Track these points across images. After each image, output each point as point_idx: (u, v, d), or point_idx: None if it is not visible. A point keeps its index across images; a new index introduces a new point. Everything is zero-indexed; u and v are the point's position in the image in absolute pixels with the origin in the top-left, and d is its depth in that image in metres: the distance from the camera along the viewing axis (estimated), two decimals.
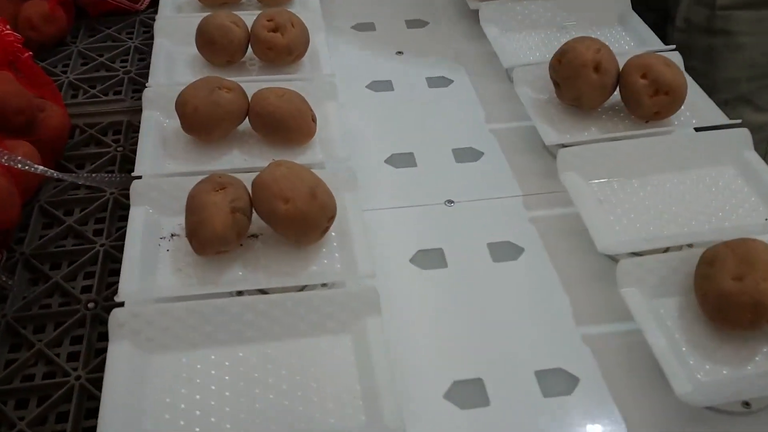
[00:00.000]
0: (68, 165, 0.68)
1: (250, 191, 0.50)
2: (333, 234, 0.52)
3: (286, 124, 0.57)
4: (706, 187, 0.57)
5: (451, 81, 0.74)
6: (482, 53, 0.77)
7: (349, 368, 0.44)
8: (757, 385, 0.44)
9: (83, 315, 0.55)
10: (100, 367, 0.51)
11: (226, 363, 0.44)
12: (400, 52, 0.78)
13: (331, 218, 0.50)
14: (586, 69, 0.60)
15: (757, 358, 0.46)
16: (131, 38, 0.85)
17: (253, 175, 0.51)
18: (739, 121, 0.60)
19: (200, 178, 0.52)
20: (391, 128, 0.68)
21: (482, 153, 0.66)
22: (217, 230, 0.47)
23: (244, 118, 0.58)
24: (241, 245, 0.51)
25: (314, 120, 0.59)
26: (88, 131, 0.72)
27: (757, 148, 0.59)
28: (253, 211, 0.50)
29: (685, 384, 0.42)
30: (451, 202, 0.61)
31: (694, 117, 0.62)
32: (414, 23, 0.83)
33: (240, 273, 0.49)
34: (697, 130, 0.62)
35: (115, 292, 0.55)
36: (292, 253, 0.51)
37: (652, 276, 0.49)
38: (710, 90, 0.65)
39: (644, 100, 0.59)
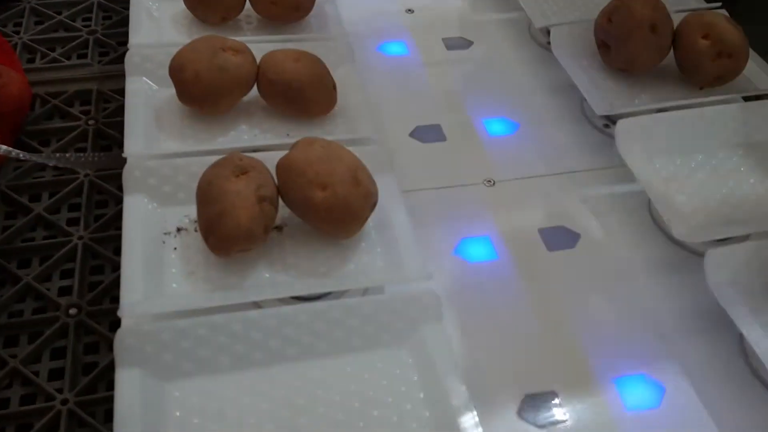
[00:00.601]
0: (30, 142, 0.58)
1: (273, 174, 0.41)
2: (371, 224, 0.44)
3: (305, 93, 0.48)
4: None
5: (471, 42, 0.66)
6: (501, 9, 0.69)
7: (415, 390, 0.36)
8: None
9: (64, 323, 0.46)
10: (92, 388, 0.43)
11: (263, 389, 0.36)
12: (410, 10, 0.69)
13: (374, 206, 0.42)
14: (642, 29, 0.52)
15: None
16: None
17: (272, 155, 0.43)
18: None
19: (206, 159, 0.43)
20: (411, 96, 0.60)
21: (517, 124, 0.58)
22: (242, 224, 0.38)
23: (253, 86, 0.49)
24: (265, 240, 0.42)
25: (335, 88, 0.50)
26: (51, 101, 0.61)
27: None
28: (280, 199, 0.41)
29: None
30: (491, 181, 0.53)
31: (753, 83, 0.56)
32: None
33: (266, 275, 0.41)
34: (751, 98, 0.56)
35: (100, 294, 0.47)
36: (324, 249, 0.42)
37: (745, 268, 0.42)
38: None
39: (705, 64, 0.53)
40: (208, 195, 0.39)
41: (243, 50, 0.47)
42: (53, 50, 0.67)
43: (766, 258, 0.43)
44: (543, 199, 0.52)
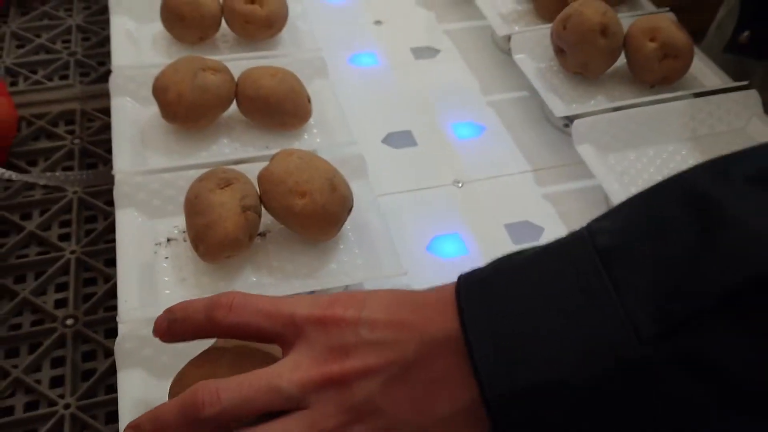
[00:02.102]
0: (18, 163, 0.60)
1: (255, 184, 0.44)
2: (348, 227, 0.47)
3: (281, 107, 0.51)
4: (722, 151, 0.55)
5: (438, 51, 0.69)
6: (465, 18, 0.72)
7: None
8: None
9: (62, 334, 0.49)
10: (92, 393, 0.46)
11: None
12: (378, 22, 0.72)
13: (350, 210, 0.45)
14: (594, 33, 0.56)
15: None
16: (70, 15, 0.77)
17: (253, 166, 0.46)
18: (746, 83, 0.58)
19: (191, 173, 0.46)
20: (382, 105, 0.63)
21: (484, 127, 0.62)
22: (229, 234, 0.41)
23: (232, 102, 0.52)
24: (250, 247, 0.45)
25: (309, 101, 0.53)
26: (36, 123, 0.64)
27: None
28: (262, 207, 0.44)
29: None
30: (459, 182, 0.57)
31: (699, 81, 0.60)
32: None
33: (254, 279, 0.44)
34: (699, 94, 0.60)
35: (95, 305, 0.49)
36: (305, 252, 0.46)
37: None
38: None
39: (653, 65, 0.57)
40: (195, 207, 0.42)
41: (222, 69, 0.50)
42: (35, 73, 0.69)
43: None
44: (508, 196, 0.56)
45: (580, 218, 0.54)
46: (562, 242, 0.28)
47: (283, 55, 0.57)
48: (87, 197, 0.57)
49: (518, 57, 0.61)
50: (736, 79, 0.58)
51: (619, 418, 0.26)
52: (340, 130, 0.53)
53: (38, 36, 0.74)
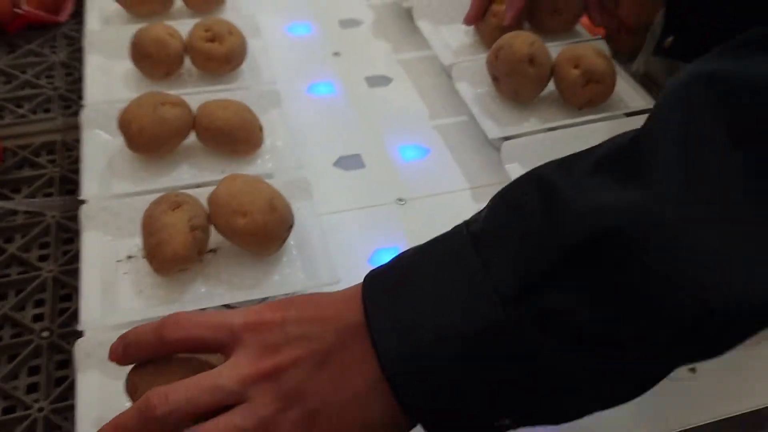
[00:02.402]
0: (2, 191, 0.66)
1: (205, 205, 0.50)
2: (292, 242, 0.52)
3: (234, 136, 0.56)
4: None
5: (391, 79, 0.75)
6: (418, 49, 0.78)
7: None
8: None
9: (38, 345, 0.54)
10: (64, 396, 0.50)
11: None
12: (337, 53, 0.78)
13: (290, 228, 0.50)
14: (522, 63, 0.62)
15: None
16: (54, 52, 0.83)
17: (207, 189, 0.51)
18: None
19: (152, 197, 0.51)
20: (335, 131, 0.69)
21: (429, 149, 0.67)
22: (178, 251, 0.46)
23: (190, 132, 0.58)
24: (201, 261, 0.50)
25: (261, 129, 0.59)
26: (20, 153, 0.70)
27: None
28: (211, 226, 0.50)
29: None
30: (402, 200, 0.62)
31: (624, 102, 0.66)
32: (348, 23, 0.83)
33: (203, 290, 0.49)
34: (628, 114, 0.65)
35: (69, 318, 0.55)
36: (252, 265, 0.51)
37: None
38: None
39: (577, 90, 0.62)
40: (149, 227, 0.47)
41: (180, 103, 0.56)
42: (21, 107, 0.75)
43: None
44: (447, 212, 0.61)
45: None
46: (446, 234, 0.34)
47: (241, 89, 0.63)
48: (64, 221, 0.62)
49: (459, 84, 0.67)
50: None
51: (495, 373, 0.31)
52: (290, 155, 0.59)
53: (24, 72, 0.80)
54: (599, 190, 0.29)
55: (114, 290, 0.49)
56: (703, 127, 0.28)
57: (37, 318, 0.56)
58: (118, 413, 0.36)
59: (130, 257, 0.51)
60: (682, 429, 0.48)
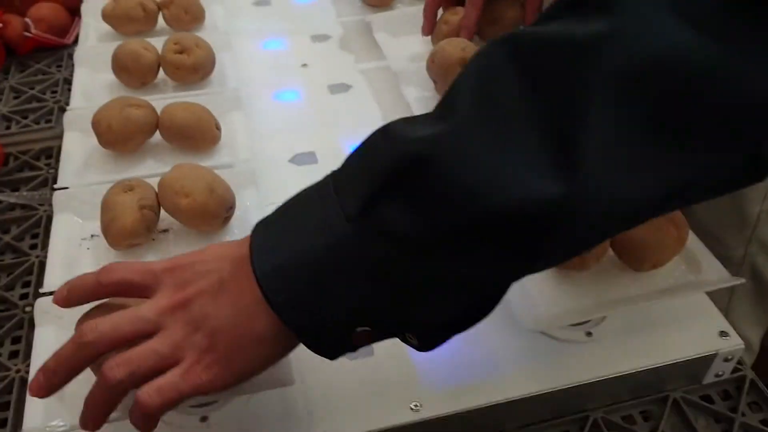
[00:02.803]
0: (4, 189, 0.75)
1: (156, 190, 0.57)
2: (234, 223, 0.60)
3: (192, 132, 0.64)
4: None
5: (350, 86, 0.82)
6: (378, 59, 0.85)
7: None
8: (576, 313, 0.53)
9: (21, 318, 0.62)
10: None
11: None
12: (305, 65, 0.86)
13: (230, 209, 0.58)
14: (455, 66, 0.68)
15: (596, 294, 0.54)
16: (60, 70, 0.92)
17: None
18: None
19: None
20: (295, 132, 0.76)
21: None
22: (126, 225, 0.54)
23: (155, 131, 0.66)
24: (154, 239, 0.58)
25: (218, 128, 0.66)
26: (21, 158, 0.79)
27: None
28: (162, 208, 0.57)
29: (528, 317, 0.51)
30: None
31: None
32: (319, 38, 0.91)
33: None
34: None
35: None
36: (198, 243, 0.58)
37: None
38: None
39: None
40: (105, 207, 0.55)
41: (145, 105, 0.64)
42: (26, 117, 0.85)
43: None
44: None
45: None
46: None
47: (204, 94, 0.71)
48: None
49: (405, 89, 0.74)
50: None
51: (347, 284, 0.37)
52: (245, 151, 0.66)
53: (32, 88, 0.90)
54: (418, 129, 0.36)
55: (77, 263, 0.56)
56: (494, 74, 0.35)
57: (23, 297, 0.64)
58: None
59: (93, 236, 0.59)
60: (579, 383, 0.53)
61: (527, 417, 0.54)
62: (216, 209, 0.56)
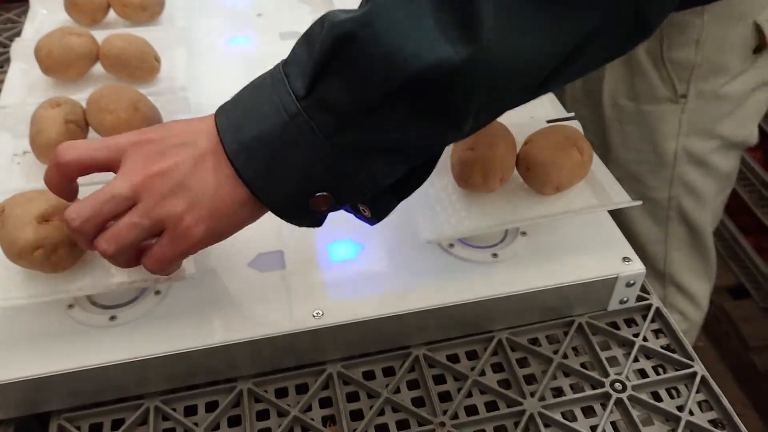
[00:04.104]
0: None
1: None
2: None
3: (130, 62, 0.67)
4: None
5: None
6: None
7: None
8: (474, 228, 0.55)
9: None
10: None
11: None
12: (260, 14, 0.88)
13: None
14: None
15: (496, 213, 0.56)
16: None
17: None
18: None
19: None
20: (244, 74, 0.77)
21: None
22: (51, 138, 0.56)
23: (96, 61, 0.68)
24: None
25: (158, 60, 0.69)
26: None
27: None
28: (89, 126, 0.60)
29: (426, 228, 0.53)
30: None
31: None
32: None
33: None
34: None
35: None
36: None
37: None
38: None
39: None
40: (32, 121, 0.58)
41: (84, 34, 0.67)
42: None
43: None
44: None
45: None
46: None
47: (149, 31, 0.73)
48: None
49: None
50: None
51: (301, 153, 0.41)
52: (181, 80, 0.69)
53: None
54: (349, 13, 0.39)
55: (8, 176, 0.59)
56: None
57: None
58: None
59: (25, 153, 0.61)
60: (483, 298, 0.55)
61: (434, 333, 0.56)
62: (139, 127, 0.58)
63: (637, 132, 0.82)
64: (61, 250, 0.47)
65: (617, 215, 0.61)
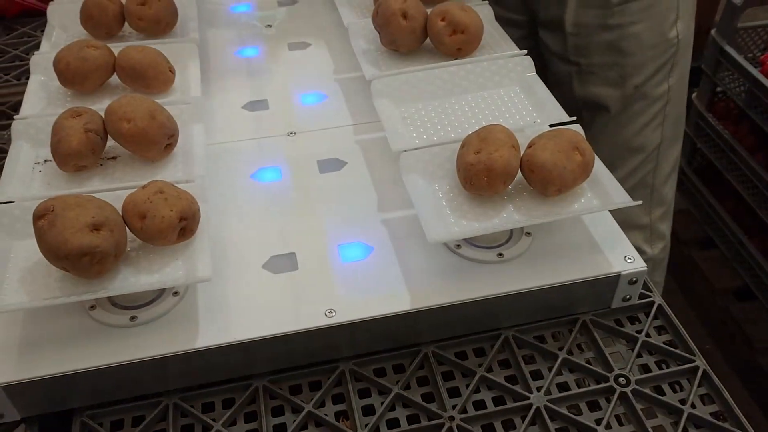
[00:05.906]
0: None
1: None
2: (178, 152, 0.64)
3: (145, 72, 0.69)
4: (496, 101, 0.70)
5: (309, 44, 0.87)
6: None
7: None
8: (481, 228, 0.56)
9: None
10: None
11: None
12: (269, 26, 0.91)
13: (172, 136, 0.62)
14: (396, 17, 0.72)
15: (501, 214, 0.58)
16: (43, 33, 0.98)
17: None
18: (524, 51, 0.72)
19: None
20: (251, 82, 0.80)
21: (325, 96, 0.78)
22: (72, 146, 0.58)
23: (113, 72, 0.70)
24: (101, 165, 0.62)
25: (172, 71, 0.71)
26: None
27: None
28: (108, 135, 0.62)
29: (432, 230, 0.55)
30: (293, 133, 0.73)
31: (492, 51, 0.75)
32: (283, 2, 0.96)
33: (98, 185, 0.61)
34: None
35: None
36: (143, 168, 0.63)
37: (429, 164, 0.61)
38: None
39: (445, 39, 0.72)
40: (54, 130, 0.60)
41: (101, 47, 0.69)
42: (8, 74, 0.91)
43: (444, 156, 0.61)
44: (331, 143, 0.72)
45: (375, 157, 0.69)
46: None
47: (162, 43, 0.75)
48: None
49: (354, 41, 0.78)
50: None
51: None
52: (194, 90, 0.71)
53: (16, 49, 0.96)
54: None
55: (30, 183, 0.61)
56: None
57: None
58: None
59: (46, 161, 0.63)
60: (488, 297, 0.56)
61: (442, 331, 0.58)
62: (156, 135, 0.60)
63: None
64: (106, 260, 0.49)
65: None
